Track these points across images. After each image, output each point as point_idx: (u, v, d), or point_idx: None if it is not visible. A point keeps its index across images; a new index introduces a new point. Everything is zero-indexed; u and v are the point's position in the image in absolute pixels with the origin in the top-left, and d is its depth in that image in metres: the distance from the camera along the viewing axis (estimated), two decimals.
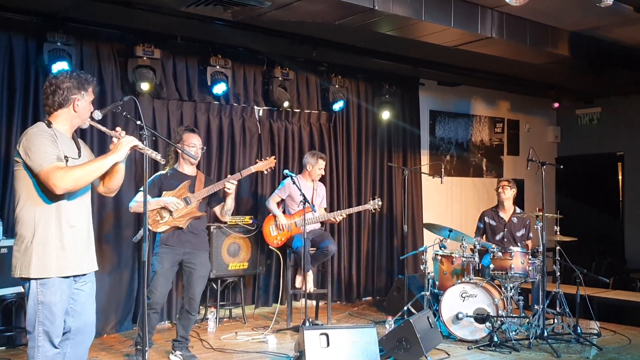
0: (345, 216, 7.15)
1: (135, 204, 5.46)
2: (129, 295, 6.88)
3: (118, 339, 6.51)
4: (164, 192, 5.47)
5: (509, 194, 7.48)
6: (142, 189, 5.17)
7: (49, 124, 3.54)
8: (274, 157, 6.09)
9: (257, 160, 6.13)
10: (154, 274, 5.38)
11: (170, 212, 5.39)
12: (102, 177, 3.76)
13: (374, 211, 7.24)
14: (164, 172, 5.70)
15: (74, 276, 3.60)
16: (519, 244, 7.29)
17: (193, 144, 5.57)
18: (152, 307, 5.33)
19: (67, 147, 3.58)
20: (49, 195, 3.47)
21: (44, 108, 3.63)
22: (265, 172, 6.14)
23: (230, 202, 5.64)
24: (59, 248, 3.49)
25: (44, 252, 3.45)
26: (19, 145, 3.48)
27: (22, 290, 5.65)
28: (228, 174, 7.73)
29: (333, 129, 8.73)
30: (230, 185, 5.56)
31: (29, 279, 3.45)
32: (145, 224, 3.79)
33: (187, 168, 5.66)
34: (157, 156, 3.91)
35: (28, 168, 3.45)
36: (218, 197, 5.73)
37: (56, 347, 3.49)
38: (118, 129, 3.73)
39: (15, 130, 6.24)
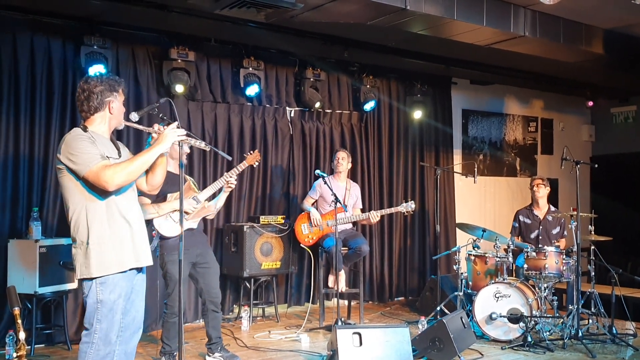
0: (379, 217, 7.14)
1: (154, 215, 5.26)
2: (155, 297, 6.87)
3: (144, 341, 6.48)
4: (168, 196, 5.31)
5: (543, 192, 7.43)
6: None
7: (84, 129, 3.59)
8: (257, 150, 6.20)
9: (245, 154, 6.11)
10: (173, 284, 5.25)
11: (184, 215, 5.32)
12: (145, 173, 3.80)
13: (406, 214, 7.21)
14: None
15: (132, 270, 3.64)
16: (554, 241, 7.23)
17: None
18: (175, 314, 5.17)
19: (107, 148, 3.62)
20: (98, 192, 3.51)
21: (80, 114, 3.68)
22: (255, 165, 6.06)
23: (223, 199, 5.67)
24: (116, 244, 3.54)
25: (102, 251, 3.49)
26: (59, 152, 3.53)
27: (66, 289, 5.89)
28: (260, 174, 7.82)
29: (364, 129, 8.74)
30: (234, 180, 5.59)
31: (90, 279, 3.50)
32: (181, 219, 3.85)
33: (174, 167, 5.39)
34: (202, 144, 3.96)
35: (73, 172, 3.49)
36: (213, 195, 5.68)
37: (110, 345, 3.53)
38: (156, 125, 3.79)
39: (54, 132, 6.37)
